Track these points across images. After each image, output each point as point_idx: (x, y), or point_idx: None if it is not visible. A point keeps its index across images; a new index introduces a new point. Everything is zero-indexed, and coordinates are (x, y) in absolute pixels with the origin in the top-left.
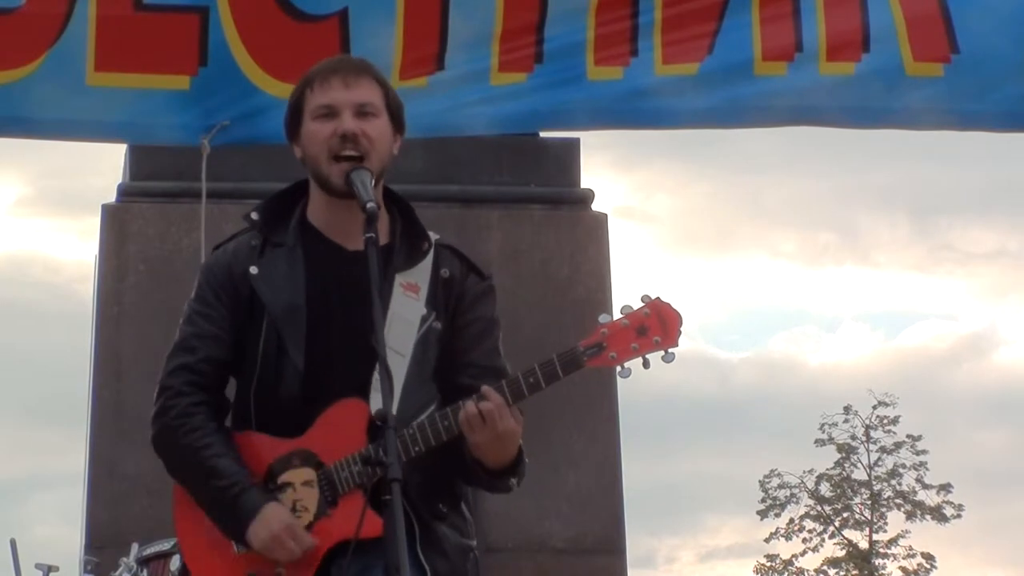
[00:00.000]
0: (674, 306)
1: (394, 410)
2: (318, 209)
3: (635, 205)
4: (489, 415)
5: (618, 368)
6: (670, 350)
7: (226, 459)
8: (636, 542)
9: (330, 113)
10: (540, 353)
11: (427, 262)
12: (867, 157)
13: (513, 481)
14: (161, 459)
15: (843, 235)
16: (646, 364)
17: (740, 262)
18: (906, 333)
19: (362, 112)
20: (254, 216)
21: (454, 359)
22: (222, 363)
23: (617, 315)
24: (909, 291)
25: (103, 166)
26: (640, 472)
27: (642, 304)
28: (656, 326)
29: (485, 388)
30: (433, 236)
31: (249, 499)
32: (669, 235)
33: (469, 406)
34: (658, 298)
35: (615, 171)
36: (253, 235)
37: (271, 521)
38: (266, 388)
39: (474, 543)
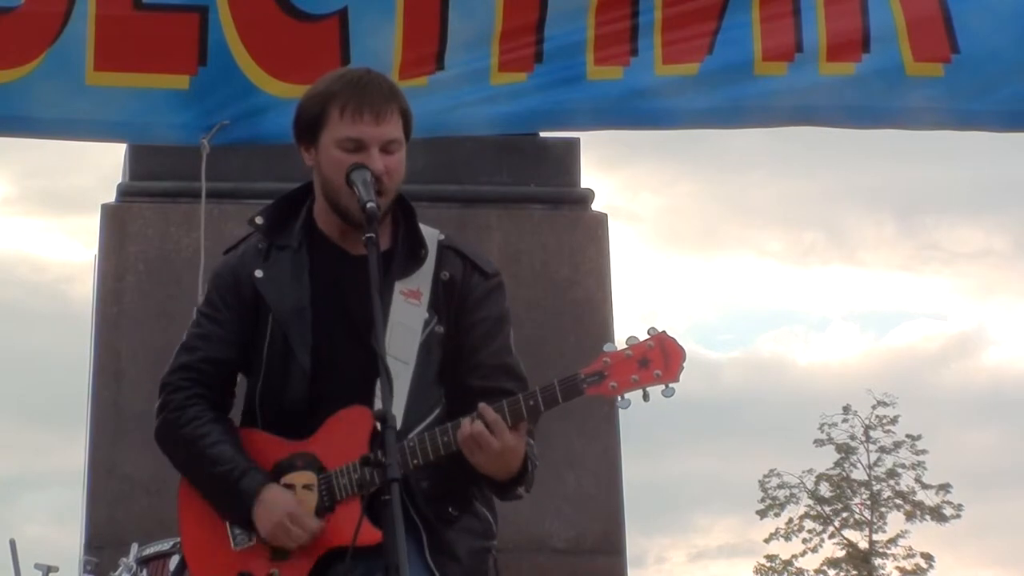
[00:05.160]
0: (679, 342)
1: (400, 416)
2: (323, 213)
3: (621, 205)
4: (482, 437)
5: (617, 399)
6: (670, 385)
7: (223, 446)
8: (627, 541)
9: (358, 148)
10: (539, 353)
11: (428, 266)
12: (853, 156)
13: (521, 490)
14: (165, 454)
15: (829, 234)
16: (646, 397)
17: (727, 261)
18: (895, 332)
19: (387, 149)
20: (259, 220)
21: (463, 360)
22: (224, 363)
23: (621, 345)
24: (896, 291)
25: (87, 165)
26: (630, 472)
27: (647, 336)
28: (659, 359)
29: (482, 406)
30: (438, 236)
31: (247, 483)
32: (655, 234)
33: (464, 427)
34: (664, 332)
35: (600, 170)
36: (259, 238)
37: (272, 509)
38: (272, 388)
39: (493, 543)
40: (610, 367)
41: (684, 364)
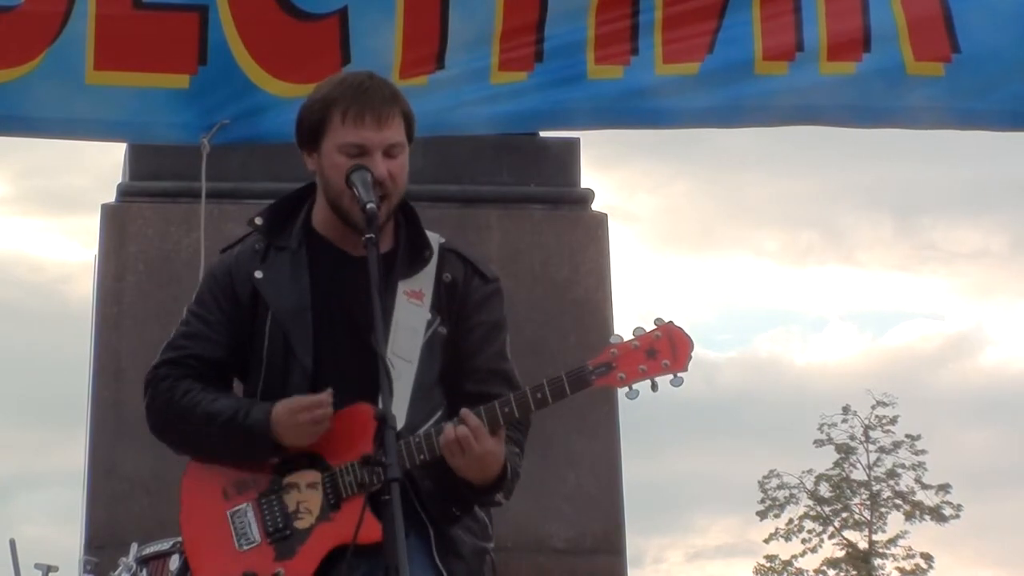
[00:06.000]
0: (686, 331)
1: (403, 416)
2: (323, 216)
3: (617, 204)
4: (465, 441)
5: (625, 389)
6: (679, 374)
7: (219, 401)
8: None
9: (360, 153)
10: (539, 353)
11: (430, 267)
12: (850, 156)
13: (499, 496)
14: (167, 441)
15: (826, 234)
16: (654, 387)
17: (723, 261)
18: (892, 333)
19: (390, 154)
20: (258, 221)
21: (460, 364)
22: (210, 362)
23: (628, 336)
24: (894, 291)
25: (85, 165)
26: (628, 472)
27: (654, 327)
28: (666, 349)
29: (463, 411)
30: (439, 239)
31: (255, 417)
32: (652, 234)
33: (448, 431)
34: (671, 322)
35: (597, 170)
36: (257, 239)
37: (287, 421)
38: (272, 389)
39: (491, 545)
40: (618, 358)
41: (692, 354)
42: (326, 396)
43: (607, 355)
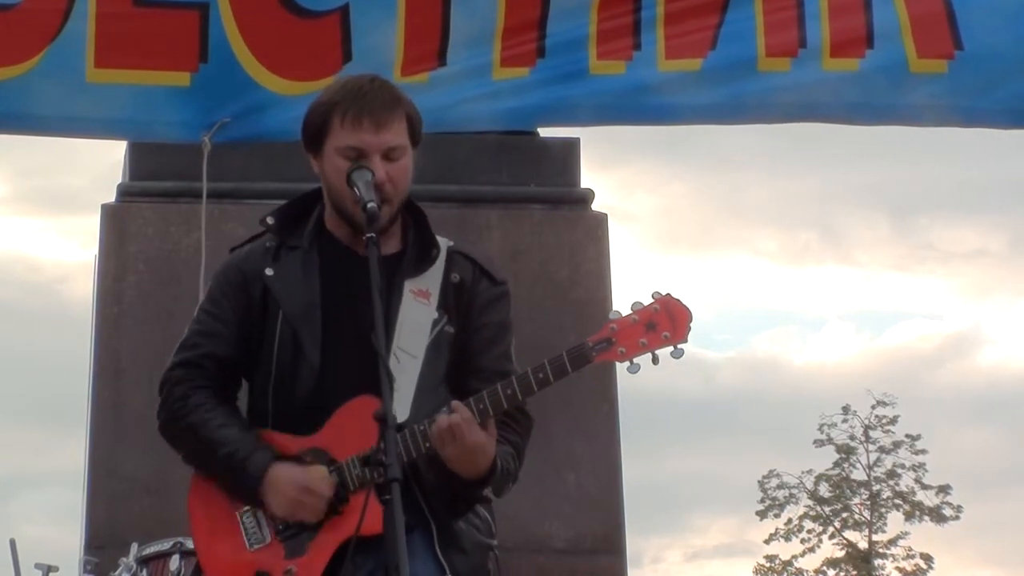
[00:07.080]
0: (684, 302)
1: (407, 410)
2: (332, 216)
3: (616, 204)
4: (457, 430)
5: (627, 364)
6: (679, 346)
7: (229, 428)
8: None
9: (359, 156)
10: (539, 353)
11: (438, 267)
12: (847, 156)
13: (488, 491)
14: (172, 447)
15: (824, 234)
16: (655, 360)
17: (721, 261)
18: (890, 332)
19: (389, 157)
20: (270, 220)
21: (466, 363)
22: (225, 360)
23: (626, 311)
24: (891, 290)
25: (82, 165)
26: (628, 472)
27: (652, 300)
28: (665, 321)
29: (454, 402)
30: (447, 242)
31: (254, 463)
32: (650, 234)
33: (440, 420)
34: (668, 294)
35: (595, 170)
36: (268, 238)
37: (282, 486)
38: (282, 386)
39: (494, 542)
40: (617, 333)
41: (691, 324)
42: (329, 492)
43: (607, 331)
